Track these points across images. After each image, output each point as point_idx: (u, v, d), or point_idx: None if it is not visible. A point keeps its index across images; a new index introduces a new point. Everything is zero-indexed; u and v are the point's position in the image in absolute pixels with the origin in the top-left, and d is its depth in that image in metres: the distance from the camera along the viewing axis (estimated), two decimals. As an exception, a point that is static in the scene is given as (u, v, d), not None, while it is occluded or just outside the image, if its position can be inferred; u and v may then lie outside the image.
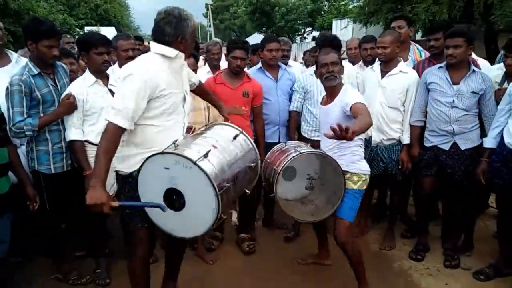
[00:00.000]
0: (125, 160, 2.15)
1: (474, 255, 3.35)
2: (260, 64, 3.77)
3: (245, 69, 3.57)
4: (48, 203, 2.78)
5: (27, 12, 16.35)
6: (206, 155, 1.94)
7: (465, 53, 2.98)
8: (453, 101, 3.03)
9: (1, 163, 2.42)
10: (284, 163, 2.58)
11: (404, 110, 3.33)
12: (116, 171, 2.20)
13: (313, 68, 3.61)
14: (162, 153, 1.97)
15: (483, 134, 3.11)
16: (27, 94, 2.61)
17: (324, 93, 3.40)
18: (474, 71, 3.02)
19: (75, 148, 2.77)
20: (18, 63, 3.18)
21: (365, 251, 3.03)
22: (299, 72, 4.21)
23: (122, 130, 1.99)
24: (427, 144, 3.24)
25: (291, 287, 3.01)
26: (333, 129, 1.93)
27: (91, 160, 2.75)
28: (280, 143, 3.10)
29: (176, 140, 2.03)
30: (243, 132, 2.33)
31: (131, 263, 2.31)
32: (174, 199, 2.00)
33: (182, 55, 2.17)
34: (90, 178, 2.65)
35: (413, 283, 3.05)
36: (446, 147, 3.13)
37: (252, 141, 2.35)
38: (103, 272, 3.02)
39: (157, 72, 2.04)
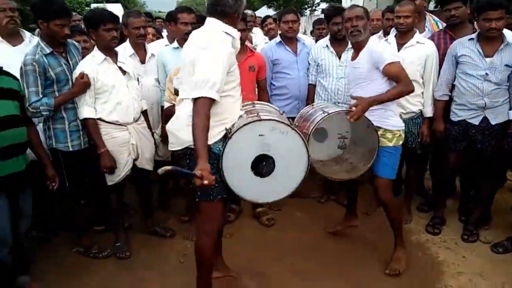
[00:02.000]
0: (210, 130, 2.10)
1: (492, 228, 3.33)
2: (279, 38, 3.70)
3: (251, 43, 3.50)
4: (68, 180, 2.81)
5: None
6: (290, 123, 2.19)
7: (504, 25, 2.85)
8: (486, 74, 2.91)
9: (20, 141, 2.43)
10: (313, 125, 2.55)
11: (423, 83, 3.24)
12: (186, 147, 2.12)
13: (325, 40, 3.54)
14: (259, 120, 2.09)
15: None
16: (41, 73, 2.59)
17: (336, 66, 3.34)
18: (508, 43, 2.89)
19: (89, 126, 2.77)
20: (31, 42, 3.16)
21: (381, 225, 3.03)
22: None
23: (212, 102, 1.99)
24: (454, 118, 3.14)
25: (312, 262, 2.99)
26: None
27: (105, 138, 2.80)
28: (308, 106, 3.06)
29: (256, 113, 2.18)
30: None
31: (201, 241, 2.23)
32: (263, 166, 2.12)
33: (239, 35, 2.21)
34: (104, 155, 2.76)
35: (431, 256, 3.05)
36: (476, 121, 3.03)
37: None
38: (123, 245, 3.07)
39: (230, 48, 2.09)
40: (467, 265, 2.92)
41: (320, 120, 2.53)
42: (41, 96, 2.60)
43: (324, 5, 25.98)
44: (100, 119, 2.79)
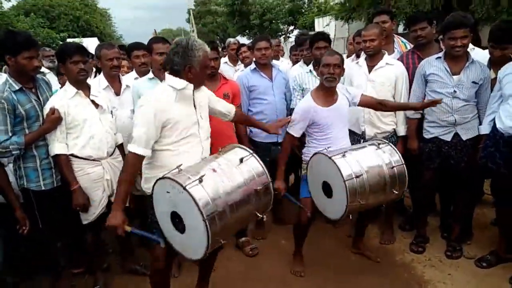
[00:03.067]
0: (147, 182, 2.30)
1: (474, 243, 3.36)
2: (253, 65, 3.76)
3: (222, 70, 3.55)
4: (41, 221, 2.70)
5: (6, 27, 16.10)
6: (200, 180, 2.00)
7: (469, 43, 2.97)
8: (454, 91, 3.00)
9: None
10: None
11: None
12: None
13: (310, 66, 3.63)
14: (162, 177, 2.06)
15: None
16: (10, 111, 2.50)
17: None
18: (473, 61, 3.00)
19: (60, 163, 2.68)
20: (-1, 80, 3.09)
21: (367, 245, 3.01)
22: (287, 69, 4.24)
23: (140, 157, 2.18)
24: (427, 136, 3.22)
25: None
26: None
27: (78, 174, 2.72)
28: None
29: (180, 165, 2.11)
30: (254, 154, 2.29)
31: (151, 277, 2.49)
32: (177, 222, 2.09)
33: (191, 85, 2.25)
34: (76, 192, 2.69)
35: (417, 275, 3.04)
36: (448, 137, 3.11)
37: (263, 164, 2.29)
38: (101, 287, 2.94)
39: (166, 103, 2.19)
40: (453, 282, 2.93)
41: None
42: (10, 134, 2.52)
43: (297, 32, 26.70)
44: (72, 155, 2.71)
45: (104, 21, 35.88)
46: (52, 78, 3.89)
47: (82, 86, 2.77)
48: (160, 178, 2.08)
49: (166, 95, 2.22)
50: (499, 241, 3.11)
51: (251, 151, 2.31)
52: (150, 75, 3.30)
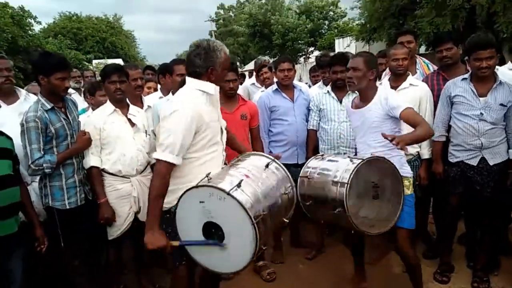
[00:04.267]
0: (166, 195, 2.12)
1: (502, 274, 3.21)
2: (275, 86, 3.78)
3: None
4: (63, 240, 2.73)
5: (35, 49, 16.76)
6: (239, 185, 1.93)
7: (495, 64, 2.91)
8: (481, 114, 2.91)
9: (13, 202, 2.39)
10: (349, 174, 2.31)
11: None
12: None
13: (328, 87, 3.62)
14: (196, 186, 1.96)
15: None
16: (43, 130, 2.59)
17: (337, 111, 3.39)
18: (501, 82, 2.92)
19: (93, 175, 2.82)
20: (27, 100, 3.21)
21: (388, 274, 2.90)
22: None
23: (171, 166, 2.03)
24: (452, 160, 3.11)
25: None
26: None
27: (107, 190, 2.84)
28: (314, 157, 2.81)
29: (209, 173, 2.03)
30: (275, 160, 2.29)
31: None
32: (213, 233, 1.98)
33: (218, 89, 2.22)
34: (103, 206, 2.77)
35: (441, 307, 2.90)
36: (474, 162, 3.00)
37: (285, 169, 2.31)
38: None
39: (201, 107, 2.10)
40: (480, 315, 2.77)
41: (355, 167, 2.32)
42: (42, 153, 2.59)
43: (317, 53, 26.86)
44: (104, 170, 2.83)
45: (129, 42, 36.96)
46: (77, 98, 4.02)
47: (121, 105, 2.94)
48: (193, 187, 1.97)
49: (198, 97, 2.13)
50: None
51: (271, 157, 2.32)
52: (170, 96, 3.34)
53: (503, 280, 3.10)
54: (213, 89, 2.16)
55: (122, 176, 2.87)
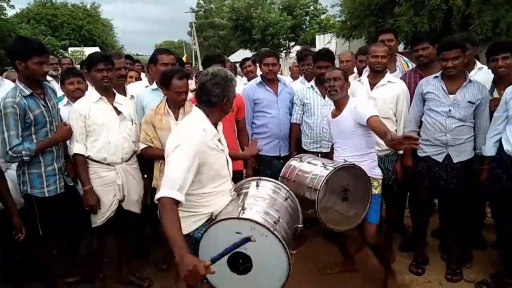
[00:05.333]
0: (186, 220, 2.03)
1: (474, 266, 3.33)
2: (259, 78, 3.81)
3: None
4: (41, 228, 2.68)
5: (8, 33, 16.21)
6: (276, 222, 1.98)
7: (463, 63, 3.00)
8: (449, 110, 3.02)
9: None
10: (321, 182, 2.56)
11: (396, 120, 3.33)
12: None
13: (312, 82, 3.66)
14: (238, 218, 1.93)
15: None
16: (21, 116, 2.53)
17: (320, 106, 3.48)
18: (470, 80, 3.03)
19: (77, 162, 2.80)
20: (1, 85, 3.11)
21: (364, 266, 2.99)
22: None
23: (175, 201, 1.88)
24: (420, 154, 3.24)
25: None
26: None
27: (92, 177, 2.84)
28: (293, 158, 3.02)
29: (243, 203, 2.03)
30: (291, 193, 2.39)
31: None
32: (239, 263, 1.96)
33: (221, 128, 2.20)
34: (88, 193, 2.75)
35: (416, 297, 3.00)
36: (440, 158, 3.12)
37: (297, 201, 2.41)
38: (97, 297, 2.90)
39: (205, 140, 2.01)
40: (453, 305, 2.88)
41: (328, 175, 2.57)
42: (21, 139, 2.52)
43: (298, 48, 26.99)
44: (89, 157, 2.82)
45: (107, 31, 36.14)
46: (55, 85, 3.90)
47: (107, 93, 2.91)
48: (233, 218, 1.93)
49: (203, 129, 2.03)
50: (499, 264, 3.09)
51: (287, 189, 2.41)
52: (154, 85, 3.32)
53: (475, 272, 3.23)
54: (213, 131, 2.09)
55: (107, 164, 2.85)
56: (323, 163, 2.74)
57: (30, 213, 2.64)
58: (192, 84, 4.69)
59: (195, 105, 2.14)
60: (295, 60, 4.99)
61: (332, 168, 2.61)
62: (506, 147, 2.83)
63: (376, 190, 2.86)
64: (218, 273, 1.83)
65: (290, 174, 2.81)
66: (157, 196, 1.89)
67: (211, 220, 2.02)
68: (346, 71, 3.00)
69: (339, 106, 2.92)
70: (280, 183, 2.46)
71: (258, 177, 2.44)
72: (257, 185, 2.32)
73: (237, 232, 1.88)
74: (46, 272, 2.91)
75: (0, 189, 2.47)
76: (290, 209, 2.31)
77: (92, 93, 2.90)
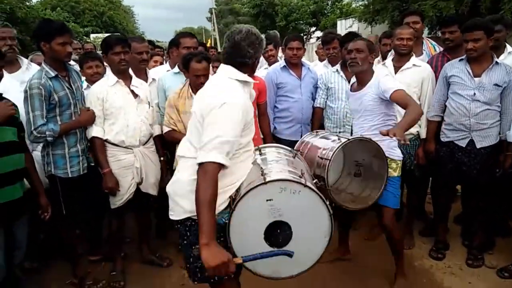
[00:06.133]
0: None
1: (497, 253, 3.27)
2: (283, 62, 3.78)
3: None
4: (65, 208, 2.76)
5: (33, 20, 16.56)
6: (302, 175, 1.81)
7: (486, 45, 2.88)
8: (474, 94, 2.93)
9: (18, 168, 2.40)
10: (334, 150, 2.37)
11: (420, 104, 3.26)
12: (187, 218, 1.83)
13: (337, 66, 3.61)
14: (265, 183, 1.70)
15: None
16: (46, 97, 2.58)
17: (345, 90, 3.36)
18: (497, 63, 2.93)
19: (95, 145, 2.82)
20: (29, 69, 3.19)
21: (384, 251, 2.97)
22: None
23: (221, 168, 1.69)
24: (443, 139, 3.16)
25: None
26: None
27: (110, 160, 2.85)
28: (309, 133, 2.89)
29: (263, 169, 1.81)
30: (296, 152, 2.34)
31: None
32: (277, 234, 1.77)
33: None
34: (107, 176, 2.78)
35: (436, 282, 2.98)
36: (463, 143, 3.04)
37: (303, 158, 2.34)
38: (118, 274, 3.00)
39: (247, 101, 1.84)
40: (473, 291, 2.85)
41: (340, 145, 2.40)
42: (45, 120, 2.59)
43: (318, 33, 26.58)
44: (107, 140, 2.84)
45: (128, 17, 36.40)
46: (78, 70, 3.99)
47: (124, 76, 2.91)
48: (258, 185, 1.70)
49: (241, 89, 1.85)
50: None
51: (289, 148, 2.32)
52: (176, 69, 3.34)
53: (497, 259, 3.17)
54: (251, 79, 1.91)
55: (125, 147, 2.88)
56: (338, 137, 2.58)
57: (54, 193, 2.72)
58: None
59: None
60: (319, 43, 4.92)
61: (345, 140, 2.45)
62: None
63: (396, 172, 2.73)
64: (255, 252, 1.71)
65: (303, 148, 2.61)
66: (201, 159, 1.67)
67: (233, 201, 1.79)
68: (372, 43, 2.85)
69: (361, 80, 2.80)
70: (280, 145, 2.36)
71: (256, 147, 2.20)
72: (260, 153, 2.15)
73: (267, 200, 1.71)
74: (70, 251, 3.01)
75: (29, 168, 2.55)
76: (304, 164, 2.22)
77: (109, 76, 2.91)
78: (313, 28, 29.23)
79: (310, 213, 1.76)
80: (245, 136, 1.84)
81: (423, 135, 3.28)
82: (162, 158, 3.14)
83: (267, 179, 1.71)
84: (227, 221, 1.73)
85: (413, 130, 3.25)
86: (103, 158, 2.82)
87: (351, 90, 2.93)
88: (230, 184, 1.81)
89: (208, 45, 8.93)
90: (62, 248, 3.06)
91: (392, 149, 2.72)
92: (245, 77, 1.87)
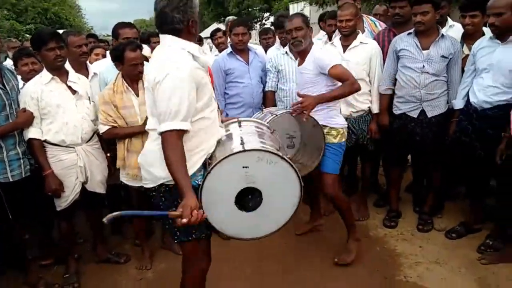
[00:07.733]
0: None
1: (445, 216, 3.45)
2: (230, 49, 3.74)
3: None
4: (11, 213, 2.62)
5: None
6: (280, 148, 1.94)
7: (433, 18, 2.98)
8: (423, 66, 3.03)
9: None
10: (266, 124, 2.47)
11: (370, 81, 3.34)
12: (161, 184, 1.89)
13: (286, 48, 3.60)
14: (244, 150, 1.79)
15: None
16: None
17: (295, 71, 3.36)
18: (443, 35, 3.04)
19: (34, 147, 2.67)
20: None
21: (339, 223, 3.04)
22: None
23: (182, 133, 1.75)
24: (396, 111, 3.26)
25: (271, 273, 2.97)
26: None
27: (51, 160, 2.71)
28: (258, 112, 3.03)
29: (242, 138, 1.90)
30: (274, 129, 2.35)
31: (186, 282, 2.04)
32: (248, 199, 1.88)
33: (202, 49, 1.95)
34: (49, 178, 2.65)
35: (389, 249, 3.11)
36: (415, 114, 3.15)
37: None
38: (72, 276, 2.89)
39: (191, 64, 1.81)
40: (424, 254, 3.00)
41: (269, 121, 2.52)
42: None
43: (272, 18, 26.55)
44: (46, 141, 2.70)
45: (74, 13, 34.78)
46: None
47: (59, 72, 2.75)
48: (239, 152, 1.78)
49: (186, 56, 1.82)
50: (469, 212, 3.20)
51: (268, 125, 2.37)
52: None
53: (446, 221, 3.34)
54: (195, 49, 1.87)
55: (66, 146, 2.74)
56: (272, 111, 2.73)
57: (-4, 199, 2.57)
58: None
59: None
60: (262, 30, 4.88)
61: (274, 115, 2.60)
62: (472, 99, 2.87)
63: (336, 139, 2.81)
64: (224, 214, 1.85)
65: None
66: (159, 130, 1.76)
67: (208, 164, 1.85)
68: (306, 16, 2.87)
69: (303, 54, 2.83)
70: (262, 121, 2.39)
71: (236, 119, 2.28)
72: (240, 125, 2.19)
73: (244, 166, 1.79)
74: (20, 257, 2.87)
75: None
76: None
77: (42, 73, 2.73)
78: (267, 14, 29.15)
79: (282, 183, 1.87)
80: (200, 100, 1.85)
81: (374, 110, 3.37)
82: (108, 154, 3.02)
83: (246, 148, 1.82)
84: (200, 183, 1.81)
85: (364, 106, 3.35)
86: (43, 160, 2.68)
87: (298, 65, 2.97)
88: (196, 147, 1.86)
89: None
90: (11, 255, 2.90)
91: (331, 118, 2.81)
92: (188, 45, 1.84)
